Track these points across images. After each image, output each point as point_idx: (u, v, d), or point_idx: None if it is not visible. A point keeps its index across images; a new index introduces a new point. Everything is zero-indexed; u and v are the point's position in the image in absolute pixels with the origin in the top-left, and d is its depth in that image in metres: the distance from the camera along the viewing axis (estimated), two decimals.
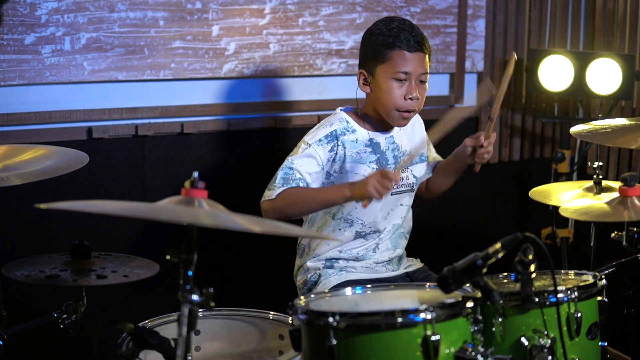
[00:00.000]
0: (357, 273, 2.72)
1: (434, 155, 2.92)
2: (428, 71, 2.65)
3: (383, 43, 2.59)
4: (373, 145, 2.68)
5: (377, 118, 2.69)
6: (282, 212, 2.56)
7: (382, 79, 2.60)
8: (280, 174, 2.58)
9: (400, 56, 2.58)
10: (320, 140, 2.62)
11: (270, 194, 2.57)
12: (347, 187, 2.52)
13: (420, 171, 2.83)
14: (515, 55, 2.65)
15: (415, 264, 2.85)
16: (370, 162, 2.67)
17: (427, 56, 2.64)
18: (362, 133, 2.68)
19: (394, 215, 2.76)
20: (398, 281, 2.73)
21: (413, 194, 2.82)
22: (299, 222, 2.83)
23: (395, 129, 2.73)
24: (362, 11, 3.53)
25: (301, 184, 2.57)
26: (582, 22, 4.00)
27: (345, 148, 2.64)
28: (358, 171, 2.65)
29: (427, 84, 2.68)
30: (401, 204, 2.77)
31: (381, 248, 2.76)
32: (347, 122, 2.67)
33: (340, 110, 2.72)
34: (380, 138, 2.70)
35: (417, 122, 2.85)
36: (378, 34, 2.61)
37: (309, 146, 2.62)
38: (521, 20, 3.96)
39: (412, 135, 2.82)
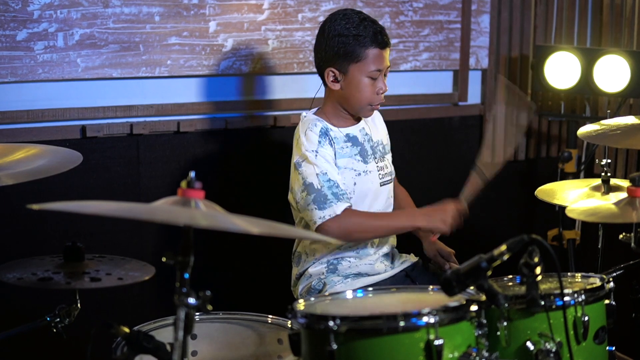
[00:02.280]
0: (362, 278, 2.72)
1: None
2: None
3: (355, 42, 2.62)
4: (351, 139, 2.72)
5: (341, 113, 2.73)
6: (350, 235, 2.61)
7: (356, 77, 2.65)
8: (325, 191, 2.56)
9: (374, 54, 2.64)
10: (319, 142, 2.63)
11: (333, 210, 2.55)
12: (422, 218, 2.64)
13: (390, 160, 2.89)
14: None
15: (410, 259, 2.88)
16: (354, 154, 2.71)
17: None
18: (336, 130, 2.70)
19: (387, 206, 2.82)
20: (398, 282, 2.75)
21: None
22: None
23: (362, 120, 2.79)
24: (363, 6, 3.50)
25: (348, 198, 2.60)
26: (589, 18, 3.98)
27: (333, 144, 2.67)
28: (347, 165, 2.68)
29: None
30: (389, 196, 2.83)
31: (381, 240, 2.78)
32: (321, 120, 2.69)
33: (307, 113, 2.74)
34: (354, 131, 2.74)
35: (375, 112, 2.86)
36: (346, 33, 2.63)
37: (316, 152, 2.61)
38: (527, 15, 3.94)
39: (373, 123, 2.86)
